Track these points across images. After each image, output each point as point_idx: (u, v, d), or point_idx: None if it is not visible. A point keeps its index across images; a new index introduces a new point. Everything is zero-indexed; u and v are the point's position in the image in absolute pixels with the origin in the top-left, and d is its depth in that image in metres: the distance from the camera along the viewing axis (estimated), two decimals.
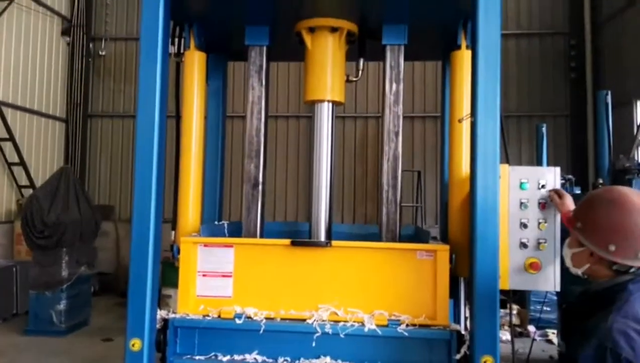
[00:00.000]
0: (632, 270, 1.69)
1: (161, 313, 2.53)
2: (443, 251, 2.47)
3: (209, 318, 2.52)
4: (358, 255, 2.54)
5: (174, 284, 2.61)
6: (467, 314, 2.59)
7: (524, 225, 2.47)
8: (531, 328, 7.18)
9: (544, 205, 2.48)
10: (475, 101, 2.32)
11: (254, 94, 2.90)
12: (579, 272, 1.81)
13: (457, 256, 2.54)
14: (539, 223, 2.47)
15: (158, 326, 2.49)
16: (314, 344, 2.44)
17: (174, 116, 3.01)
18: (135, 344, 2.39)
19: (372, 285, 2.52)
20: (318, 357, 2.47)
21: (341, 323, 2.44)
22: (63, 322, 6.90)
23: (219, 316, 2.51)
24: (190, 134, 2.97)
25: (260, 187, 2.83)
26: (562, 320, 1.91)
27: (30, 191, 8.54)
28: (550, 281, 2.44)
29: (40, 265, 6.85)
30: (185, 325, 2.51)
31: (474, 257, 2.30)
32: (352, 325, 2.42)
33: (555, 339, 6.40)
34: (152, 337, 2.45)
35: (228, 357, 2.50)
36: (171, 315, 2.51)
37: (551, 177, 2.48)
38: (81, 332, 7.18)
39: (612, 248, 1.66)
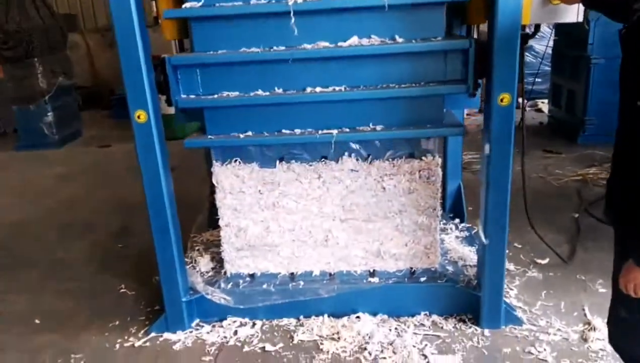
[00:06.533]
0: None
1: None
2: None
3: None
4: None
5: None
6: None
7: None
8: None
9: None
10: None
11: None
12: None
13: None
14: None
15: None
16: None
17: None
18: (141, 116, 2.29)
19: None
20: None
21: None
22: (55, 133, 6.85)
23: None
24: None
25: None
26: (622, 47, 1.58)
27: None
28: (573, 11, 2.27)
29: (15, 79, 6.50)
30: (182, 63, 2.34)
31: None
32: None
33: (545, 108, 6.55)
34: (157, 109, 2.34)
35: (237, 93, 2.38)
36: (166, 55, 2.32)
37: None
38: (76, 143, 7.19)
39: None
